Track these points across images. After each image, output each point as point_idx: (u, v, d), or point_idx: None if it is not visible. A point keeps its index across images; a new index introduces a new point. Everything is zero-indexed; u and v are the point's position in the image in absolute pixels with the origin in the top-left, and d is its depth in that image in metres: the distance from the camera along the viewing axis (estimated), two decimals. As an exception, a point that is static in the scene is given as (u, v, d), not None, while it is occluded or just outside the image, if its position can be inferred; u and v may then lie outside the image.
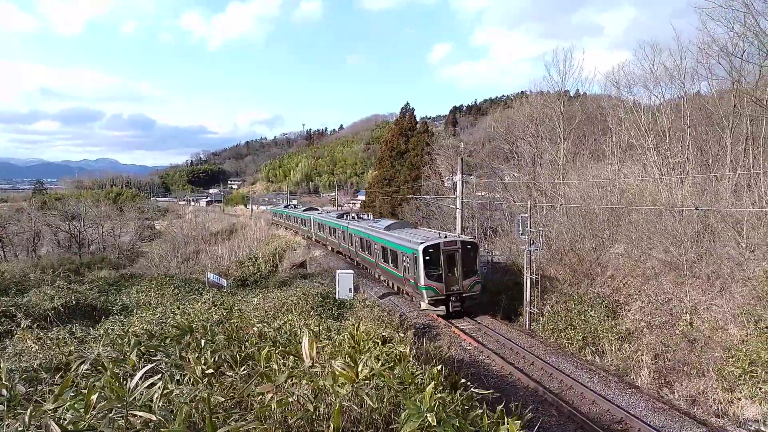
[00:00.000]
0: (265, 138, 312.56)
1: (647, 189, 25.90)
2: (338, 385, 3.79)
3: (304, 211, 61.44)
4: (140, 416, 2.79)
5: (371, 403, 3.71)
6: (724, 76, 25.16)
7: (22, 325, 15.74)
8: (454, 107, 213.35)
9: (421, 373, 5.68)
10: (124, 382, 3.15)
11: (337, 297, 26.69)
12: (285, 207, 77.91)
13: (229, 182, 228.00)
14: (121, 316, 18.15)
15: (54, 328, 14.77)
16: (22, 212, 59.06)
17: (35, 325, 15.56)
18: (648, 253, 21.63)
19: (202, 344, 5.71)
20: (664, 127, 26.78)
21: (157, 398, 3.06)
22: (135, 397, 2.92)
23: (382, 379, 4.10)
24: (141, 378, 3.03)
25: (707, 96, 27.11)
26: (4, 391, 3.46)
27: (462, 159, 32.57)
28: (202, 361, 4.96)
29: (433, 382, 4.42)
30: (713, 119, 25.69)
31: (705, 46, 24.63)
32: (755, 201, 20.37)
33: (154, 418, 2.75)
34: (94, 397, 2.85)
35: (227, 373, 4.95)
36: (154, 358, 5.61)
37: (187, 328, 6.24)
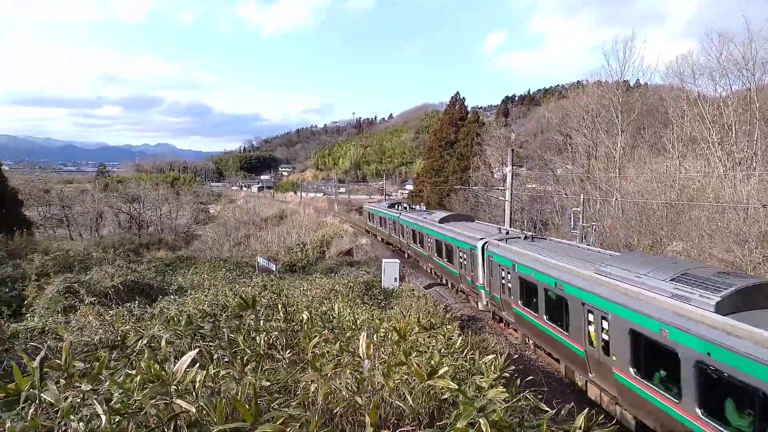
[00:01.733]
0: (316, 126, 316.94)
1: (710, 185, 24.65)
2: (388, 379, 3.78)
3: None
4: (181, 404, 2.86)
5: (411, 402, 3.69)
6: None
7: (84, 302, 16.60)
8: (506, 97, 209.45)
9: (471, 367, 5.61)
10: (173, 363, 3.24)
11: (382, 286, 26.83)
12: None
13: (279, 169, 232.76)
14: (177, 297, 18.83)
15: (113, 306, 15.50)
16: (87, 194, 62.25)
17: (96, 301, 16.38)
18: (708, 252, 20.62)
19: (255, 324, 5.86)
20: (730, 120, 25.37)
21: (200, 381, 3.13)
22: (179, 380, 3.00)
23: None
24: (187, 360, 3.12)
25: (780, 87, 25.50)
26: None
27: (512, 150, 31.93)
28: (254, 344, 5.08)
29: (492, 376, 4.33)
30: (786, 112, 24.16)
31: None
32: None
33: (192, 409, 2.80)
34: (138, 379, 2.95)
35: (276, 356, 5.04)
36: (206, 340, 5.79)
37: (250, 302, 6.40)
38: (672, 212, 24.22)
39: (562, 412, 4.11)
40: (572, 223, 22.92)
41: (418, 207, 46.23)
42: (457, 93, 65.04)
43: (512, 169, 30.72)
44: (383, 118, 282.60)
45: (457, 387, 3.64)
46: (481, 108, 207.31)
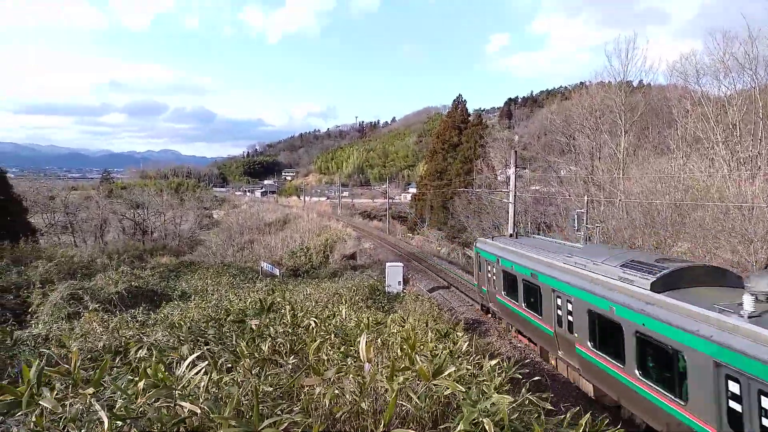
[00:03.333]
0: (319, 130, 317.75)
1: (714, 185, 24.54)
2: (392, 382, 3.75)
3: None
4: (186, 406, 2.84)
5: (420, 403, 3.66)
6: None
7: (89, 308, 16.64)
8: (509, 99, 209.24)
9: (477, 371, 5.58)
10: (177, 367, 3.23)
11: (386, 289, 26.81)
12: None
13: (283, 173, 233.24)
14: (181, 302, 18.86)
15: (117, 312, 15.53)
16: (91, 200, 62.42)
17: (101, 308, 16.42)
18: (714, 252, 20.51)
19: (259, 329, 5.84)
20: (734, 119, 25.26)
21: (204, 386, 3.12)
22: (183, 385, 2.99)
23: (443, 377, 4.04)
24: (190, 365, 3.10)
25: (784, 86, 25.37)
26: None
27: (516, 152, 31.89)
28: (257, 349, 5.07)
29: (498, 379, 4.31)
30: (790, 111, 24.03)
31: (783, 32, 23.01)
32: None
33: (197, 410, 2.79)
34: (141, 384, 2.94)
35: (279, 361, 5.02)
36: (209, 345, 5.78)
37: (267, 306, 6.40)
38: (676, 213, 24.10)
39: (567, 416, 4.08)
40: (576, 224, 22.83)
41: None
42: (459, 95, 64.92)
43: (515, 171, 30.67)
44: (386, 122, 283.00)
45: (461, 388, 3.62)
46: (483, 110, 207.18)
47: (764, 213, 19.40)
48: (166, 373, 3.00)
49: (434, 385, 3.83)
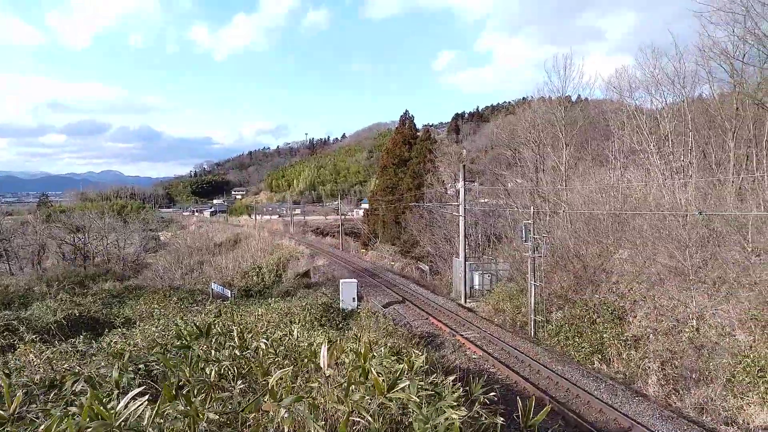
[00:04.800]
0: (269, 148, 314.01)
1: (650, 193, 25.78)
2: (347, 399, 3.71)
3: None
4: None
5: (373, 421, 3.63)
6: (726, 79, 25.10)
7: (24, 339, 15.69)
8: (457, 114, 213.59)
9: (431, 386, 5.58)
10: (116, 400, 3.08)
11: (341, 306, 26.60)
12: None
13: (233, 192, 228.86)
14: (124, 329, 18.08)
15: (56, 342, 14.71)
16: (27, 225, 59.31)
17: (38, 338, 15.51)
18: (653, 258, 21.46)
19: (205, 354, 5.65)
20: (666, 131, 26.69)
21: (149, 417, 2.99)
22: (124, 418, 2.86)
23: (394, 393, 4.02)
24: (133, 396, 2.97)
25: (709, 99, 27.03)
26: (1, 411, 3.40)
27: (464, 166, 32.55)
28: (203, 374, 4.90)
29: (454, 396, 4.32)
30: (716, 122, 25.59)
31: (706, 49, 24.58)
32: (759, 204, 20.22)
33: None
34: (77, 421, 2.79)
35: (226, 386, 4.87)
36: (153, 372, 5.55)
37: (204, 330, 6.16)
38: (617, 221, 25.14)
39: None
40: (524, 235, 23.42)
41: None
42: (406, 111, 65.80)
43: (465, 184, 31.29)
44: (336, 138, 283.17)
45: (416, 399, 3.62)
46: (432, 125, 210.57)
47: (697, 220, 20.47)
48: (103, 407, 2.86)
49: (389, 399, 3.81)
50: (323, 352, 4.20)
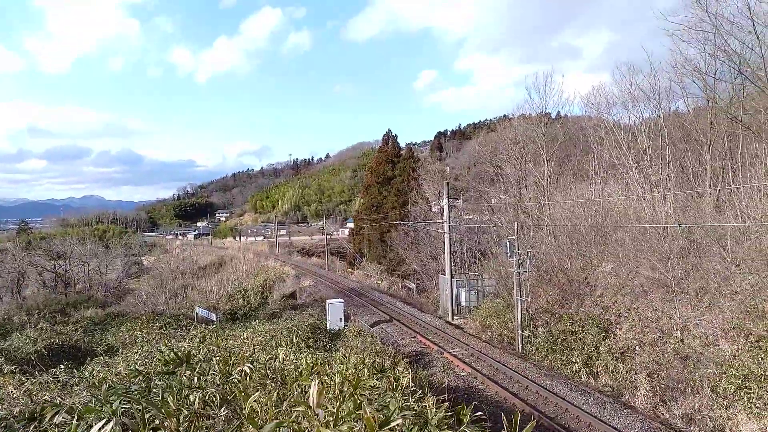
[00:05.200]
0: (252, 169, 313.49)
1: (631, 207, 26.16)
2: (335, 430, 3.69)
3: None
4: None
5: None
6: (699, 94, 25.76)
7: (3, 370, 15.31)
8: (439, 132, 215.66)
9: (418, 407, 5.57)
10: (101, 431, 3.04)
11: (328, 327, 26.41)
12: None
13: (216, 215, 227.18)
14: (107, 357, 17.76)
15: (36, 372, 14.37)
16: (6, 253, 58.15)
17: (17, 369, 15.14)
18: (635, 270, 21.72)
19: (189, 381, 5.58)
20: (644, 145, 27.24)
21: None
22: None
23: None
24: (117, 426, 2.94)
25: (684, 114, 27.69)
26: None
27: (448, 183, 32.81)
28: (187, 402, 4.84)
29: (439, 415, 4.30)
30: (692, 136, 26.18)
31: (679, 66, 25.23)
32: (737, 215, 20.64)
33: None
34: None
35: (210, 414, 4.81)
36: (136, 402, 5.45)
37: (183, 359, 6.09)
38: (599, 235, 25.45)
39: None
40: (509, 250, 23.56)
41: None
42: (389, 130, 66.32)
43: (449, 201, 31.48)
44: (320, 158, 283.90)
45: None
46: (415, 144, 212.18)
47: (677, 232, 20.81)
48: None
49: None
50: (312, 390, 4.15)
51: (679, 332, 18.07)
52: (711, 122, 24.47)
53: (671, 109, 29.31)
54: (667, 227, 21.39)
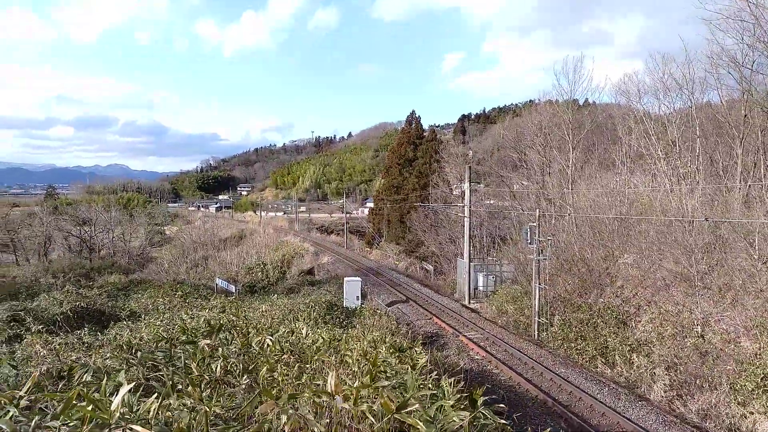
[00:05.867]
0: (275, 145, 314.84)
1: (657, 199, 25.67)
2: (355, 408, 3.72)
3: None
4: (136, 430, 2.76)
5: (377, 423, 3.66)
6: (734, 86, 24.95)
7: (31, 330, 15.81)
8: (463, 115, 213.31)
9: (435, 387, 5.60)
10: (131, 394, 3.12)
11: (344, 305, 26.64)
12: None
13: (238, 188, 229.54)
14: (129, 322, 18.18)
15: (62, 333, 14.81)
16: (34, 217, 59.65)
17: (44, 330, 15.63)
18: (658, 263, 21.40)
19: (211, 349, 5.69)
20: (674, 136, 26.58)
21: (154, 410, 3.03)
22: (134, 410, 2.90)
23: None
24: (140, 389, 3.02)
25: (717, 106, 26.88)
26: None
27: (470, 167, 32.53)
28: (210, 370, 4.94)
29: (455, 396, 4.32)
30: (724, 129, 25.45)
31: (714, 56, 24.43)
32: (767, 212, 20.12)
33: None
34: (88, 410, 2.83)
35: (232, 382, 4.92)
36: (158, 367, 5.59)
37: (217, 327, 6.20)
38: (622, 226, 25.06)
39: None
40: (529, 238, 23.38)
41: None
42: (413, 111, 65.65)
43: (470, 185, 31.27)
44: (342, 137, 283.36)
45: (424, 429, 3.57)
46: (438, 126, 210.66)
47: (703, 226, 20.39)
48: (96, 403, 2.89)
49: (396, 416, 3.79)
50: (330, 381, 4.14)
51: (699, 327, 17.84)
52: (745, 115, 23.73)
53: (704, 100, 28.49)
54: (693, 221, 20.97)
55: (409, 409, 3.76)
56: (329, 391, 4.05)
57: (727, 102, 25.96)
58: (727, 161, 25.24)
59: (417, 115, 65.47)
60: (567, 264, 25.39)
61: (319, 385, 4.54)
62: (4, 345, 14.95)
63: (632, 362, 18.28)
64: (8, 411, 3.15)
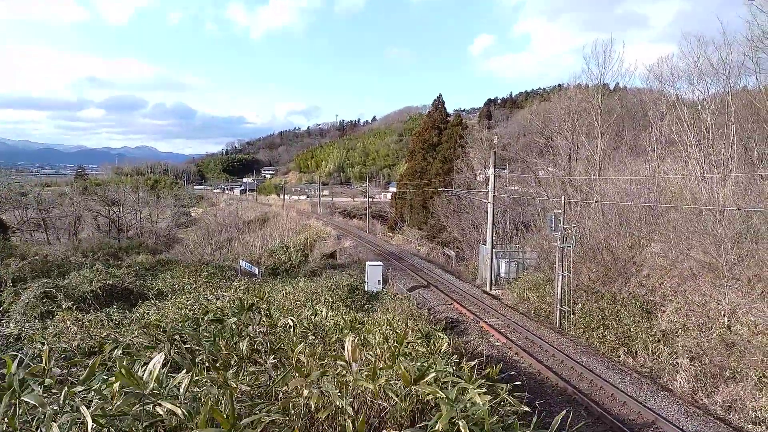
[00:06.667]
0: (299, 128, 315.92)
1: (687, 187, 25.07)
2: (375, 382, 3.78)
3: None
4: (165, 406, 2.84)
5: (400, 402, 3.70)
6: (774, 71, 24.09)
7: (62, 307, 16.33)
8: (489, 100, 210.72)
9: (456, 370, 5.63)
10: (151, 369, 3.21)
11: (366, 288, 26.83)
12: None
13: (262, 171, 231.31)
14: (157, 301, 18.63)
15: (92, 311, 15.27)
16: (65, 197, 61.12)
17: (75, 306, 16.13)
18: (686, 253, 20.96)
19: (238, 328, 5.81)
20: (707, 123, 25.83)
21: (184, 387, 3.11)
22: (163, 385, 2.98)
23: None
24: (168, 365, 3.10)
25: (755, 91, 26.00)
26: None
27: (495, 152, 32.18)
28: (237, 348, 5.05)
29: (478, 382, 4.36)
30: (760, 116, 24.64)
31: (754, 39, 23.57)
32: (803, 202, 19.51)
33: (178, 411, 2.79)
34: (116, 386, 2.92)
35: (258, 360, 5.01)
36: (187, 344, 5.73)
37: (247, 307, 6.34)
38: (650, 214, 24.58)
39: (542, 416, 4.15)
40: (553, 225, 23.11)
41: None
42: (440, 96, 65.13)
43: (495, 171, 30.96)
44: (366, 121, 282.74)
45: (441, 394, 3.63)
46: (464, 110, 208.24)
47: (734, 215, 19.87)
48: (131, 375, 2.98)
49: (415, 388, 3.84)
50: (347, 346, 4.24)
51: (726, 318, 17.49)
52: (784, 101, 22.96)
53: (740, 86, 27.57)
54: (724, 210, 20.45)
55: (426, 379, 3.80)
56: (346, 358, 4.12)
57: (765, 88, 25.10)
58: (762, 149, 24.47)
59: (443, 100, 64.93)
60: (591, 252, 25.06)
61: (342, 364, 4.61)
62: (37, 321, 15.46)
63: (656, 352, 18.05)
64: (41, 382, 3.25)
